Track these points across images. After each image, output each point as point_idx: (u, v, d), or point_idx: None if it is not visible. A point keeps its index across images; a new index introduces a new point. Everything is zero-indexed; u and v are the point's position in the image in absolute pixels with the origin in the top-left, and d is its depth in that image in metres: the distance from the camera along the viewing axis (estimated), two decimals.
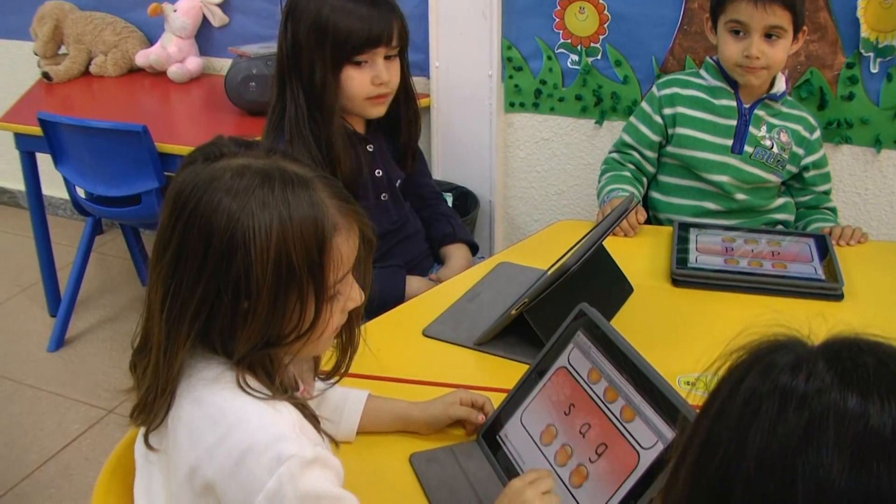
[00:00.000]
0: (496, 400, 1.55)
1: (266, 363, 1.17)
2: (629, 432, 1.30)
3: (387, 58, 2.20)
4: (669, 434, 1.23)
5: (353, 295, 1.23)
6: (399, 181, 2.42)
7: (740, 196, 2.50)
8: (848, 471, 0.66)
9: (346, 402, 1.51)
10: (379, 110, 2.26)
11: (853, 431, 0.68)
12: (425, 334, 1.87)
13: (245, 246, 1.09)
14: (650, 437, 1.26)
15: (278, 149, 1.22)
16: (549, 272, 2.04)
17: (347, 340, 1.33)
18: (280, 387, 1.18)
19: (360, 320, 1.33)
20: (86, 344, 3.45)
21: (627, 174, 2.58)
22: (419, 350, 1.83)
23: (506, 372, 1.74)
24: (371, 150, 2.32)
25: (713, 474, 0.73)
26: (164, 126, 3.17)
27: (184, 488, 1.14)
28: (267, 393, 1.15)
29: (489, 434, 1.50)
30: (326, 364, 1.37)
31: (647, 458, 1.25)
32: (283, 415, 1.14)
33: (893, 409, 0.68)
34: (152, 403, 1.16)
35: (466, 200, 3.38)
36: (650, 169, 2.62)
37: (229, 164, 1.15)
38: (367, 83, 2.18)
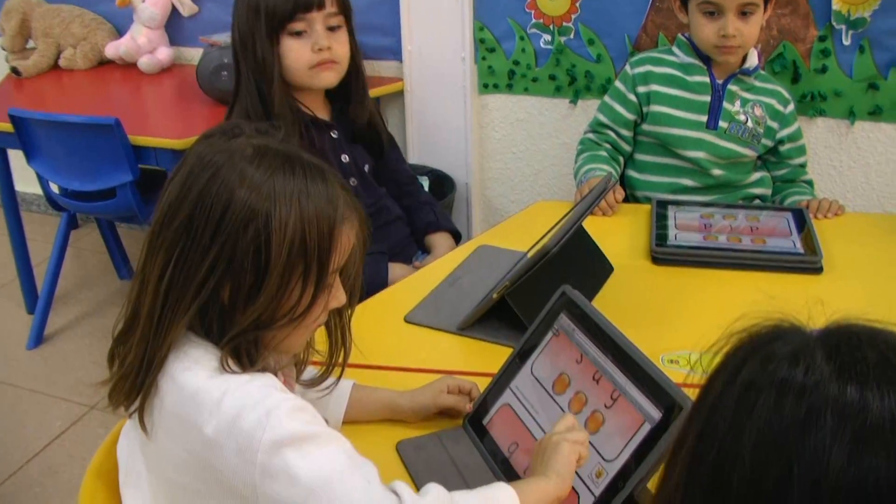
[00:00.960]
0: (482, 385, 1.54)
1: (251, 348, 1.17)
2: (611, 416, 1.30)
3: (330, 29, 2.21)
4: (656, 414, 1.24)
5: (337, 294, 1.23)
6: (368, 166, 2.41)
7: (717, 172, 2.50)
8: (846, 463, 0.66)
9: (330, 389, 1.49)
10: (327, 78, 2.25)
11: (851, 425, 0.67)
12: (407, 320, 1.86)
13: (267, 218, 1.10)
14: (636, 418, 1.26)
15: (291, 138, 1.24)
16: (529, 254, 2.04)
17: (341, 341, 1.34)
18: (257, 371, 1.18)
19: (349, 322, 1.34)
20: (65, 340, 3.42)
21: (604, 154, 2.58)
22: (401, 336, 1.83)
23: (490, 356, 1.74)
24: (335, 135, 2.33)
25: (709, 465, 0.72)
26: (137, 118, 3.13)
27: (185, 476, 1.14)
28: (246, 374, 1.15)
29: (475, 419, 1.50)
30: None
31: (635, 440, 1.25)
32: (265, 378, 1.15)
33: (892, 401, 0.68)
34: (135, 379, 1.15)
35: (443, 183, 3.37)
36: (626, 148, 2.62)
37: (249, 141, 1.16)
38: (307, 52, 2.18)
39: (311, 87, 2.25)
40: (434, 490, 1.17)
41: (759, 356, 0.75)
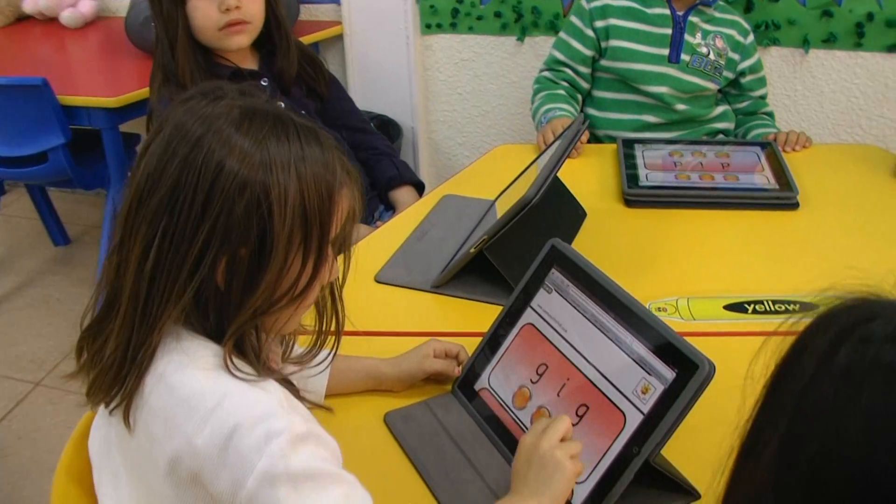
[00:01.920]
0: (468, 346, 1.46)
1: (252, 338, 1.05)
2: (615, 384, 1.22)
3: None
4: (669, 374, 1.16)
5: (333, 266, 1.12)
6: (311, 110, 2.31)
7: (680, 106, 2.42)
8: None
9: (326, 368, 1.38)
10: (238, 41, 2.15)
11: None
12: (378, 280, 1.76)
13: (264, 188, 0.98)
14: (642, 379, 1.18)
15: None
16: (497, 202, 1.95)
17: (332, 314, 1.22)
18: (265, 365, 1.06)
19: (341, 291, 1.22)
20: (1, 313, 3.26)
21: (562, 92, 2.49)
22: (372, 298, 1.72)
23: (469, 314, 1.65)
24: (265, 84, 2.22)
25: (808, 461, 0.64)
26: (64, 77, 2.94)
27: (165, 484, 1.01)
28: (252, 373, 1.02)
29: (465, 384, 1.42)
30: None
31: (645, 406, 1.17)
32: (269, 391, 1.02)
33: None
34: (117, 374, 1.02)
35: (388, 129, 3.26)
36: (584, 85, 2.53)
37: (233, 104, 1.03)
38: (213, 12, 2.09)
39: (223, 49, 2.15)
40: None
41: (856, 338, 0.66)
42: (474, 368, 1.41)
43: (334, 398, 1.41)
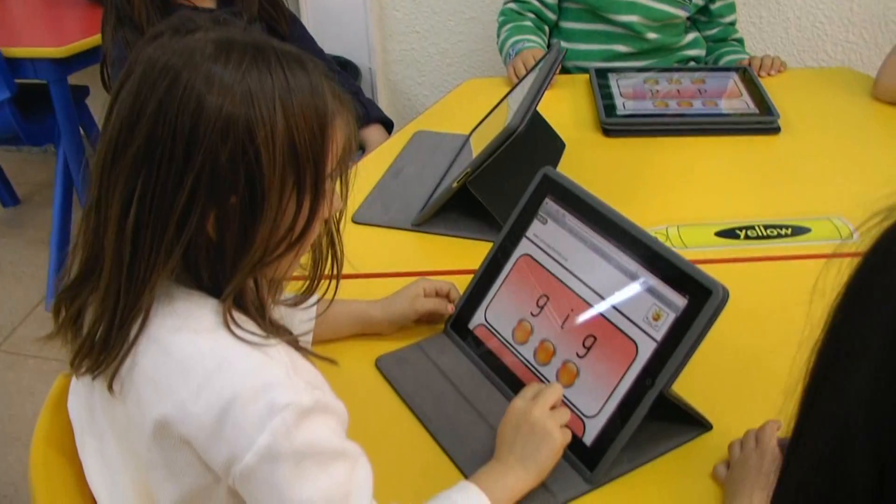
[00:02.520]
0: (458, 285, 1.39)
1: (253, 292, 0.97)
2: (624, 313, 1.16)
3: None
4: (680, 301, 1.10)
5: (333, 200, 1.03)
6: None
7: (651, 35, 2.36)
8: None
9: (293, 309, 1.29)
10: None
11: None
12: (355, 221, 1.69)
13: (248, 126, 0.87)
14: (653, 305, 1.13)
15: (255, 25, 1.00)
16: (472, 137, 1.88)
17: (330, 251, 1.13)
18: (271, 322, 0.98)
19: (339, 227, 1.14)
20: None
21: (528, 24, 2.41)
22: (351, 239, 1.61)
23: (454, 251, 1.59)
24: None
25: None
26: (5, 27, 2.82)
27: (153, 449, 0.93)
28: (259, 333, 0.94)
29: (459, 323, 1.35)
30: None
31: (657, 334, 1.12)
32: (273, 357, 0.93)
33: None
34: (104, 344, 0.93)
35: (345, 70, 3.15)
36: (551, 16, 2.45)
37: (208, 36, 0.92)
38: None
39: None
40: None
41: None
42: (467, 306, 1.35)
43: (321, 345, 1.34)
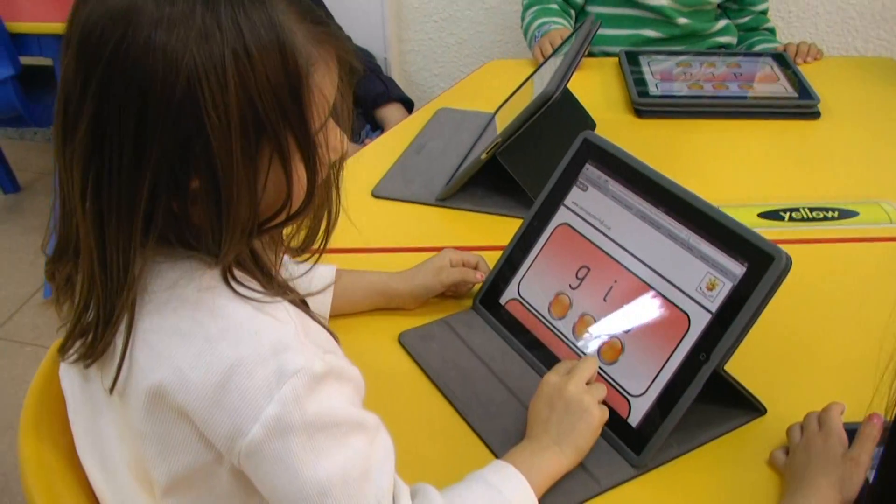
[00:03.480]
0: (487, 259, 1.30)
1: (253, 255, 0.86)
2: (675, 283, 1.06)
3: None
4: (738, 269, 1.00)
5: (334, 143, 0.89)
6: None
7: (681, 20, 2.27)
8: None
9: (310, 280, 1.18)
10: None
11: None
12: (375, 195, 1.59)
13: (193, 98, 0.74)
14: (707, 274, 1.03)
15: None
16: (497, 114, 1.79)
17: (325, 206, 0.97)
18: (276, 281, 0.86)
19: (339, 176, 0.98)
20: None
21: (554, 6, 2.32)
22: (371, 214, 1.55)
23: (480, 226, 1.50)
24: None
25: None
26: (8, 2, 2.73)
27: (145, 420, 0.82)
28: (259, 290, 0.83)
29: (489, 298, 1.25)
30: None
31: (713, 304, 1.02)
32: (281, 317, 0.82)
33: None
34: (94, 333, 0.83)
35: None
36: (578, 0, 2.36)
37: None
38: None
39: None
40: (427, 500, 0.89)
41: None
42: (498, 280, 1.25)
43: (339, 319, 1.24)
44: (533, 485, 0.94)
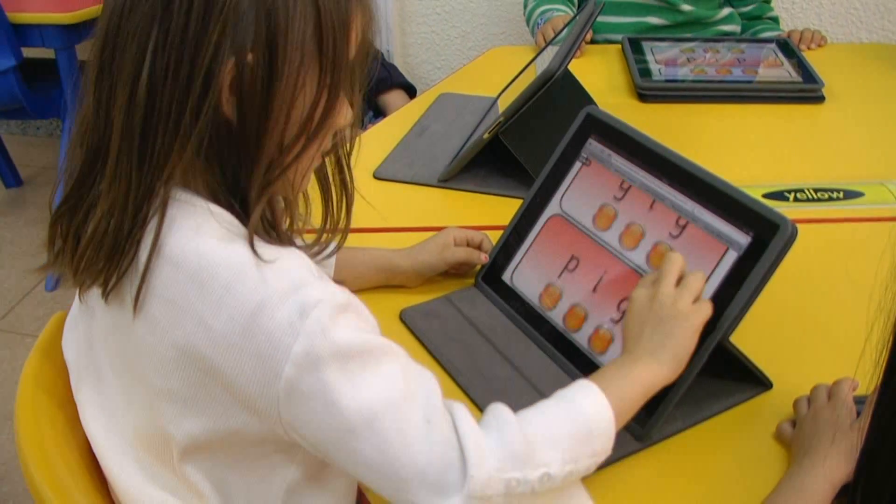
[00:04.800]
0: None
1: (265, 210, 0.84)
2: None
3: None
4: (743, 239, 0.99)
5: (344, 111, 0.90)
6: None
7: (685, 7, 2.26)
8: None
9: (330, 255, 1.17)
10: None
11: None
12: (377, 177, 1.58)
13: None
14: (715, 245, 1.02)
15: None
16: (499, 98, 1.78)
17: (341, 186, 1.00)
18: (285, 234, 0.86)
19: (350, 157, 1.01)
20: None
21: None
22: (373, 194, 1.52)
23: (483, 207, 1.49)
24: None
25: None
26: None
27: (172, 379, 0.81)
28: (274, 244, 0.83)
29: (491, 275, 1.24)
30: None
31: (717, 274, 1.01)
32: (294, 258, 0.82)
33: None
34: (114, 243, 0.81)
35: None
36: None
37: None
38: None
39: None
40: (499, 415, 0.85)
41: None
42: (501, 256, 1.24)
43: None
44: (623, 398, 0.89)
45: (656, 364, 0.93)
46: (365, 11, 0.86)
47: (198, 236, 0.80)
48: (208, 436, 0.83)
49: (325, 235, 0.97)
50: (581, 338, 1.11)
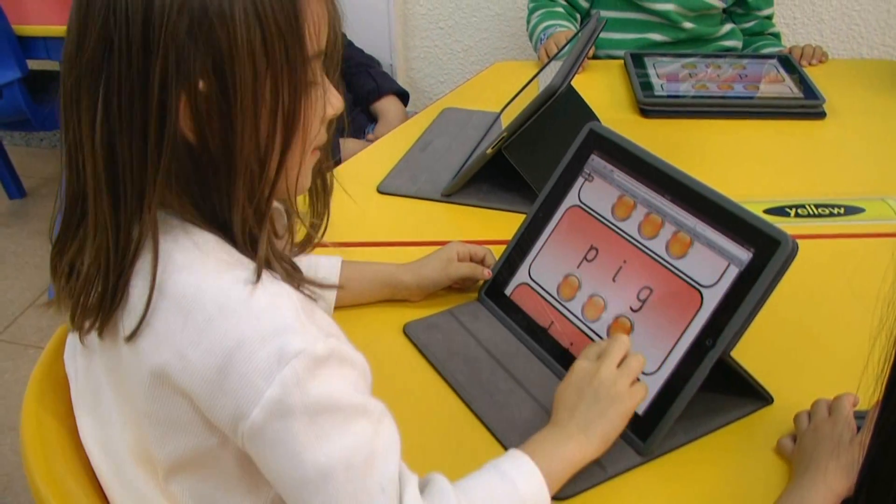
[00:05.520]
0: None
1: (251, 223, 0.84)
2: (680, 269, 1.06)
3: None
4: (744, 255, 1.00)
5: (331, 98, 0.88)
6: None
7: (687, 24, 2.27)
8: None
9: (315, 271, 1.19)
10: None
11: None
12: (381, 191, 1.59)
13: (203, 8, 0.75)
14: (717, 262, 1.03)
15: None
16: (502, 113, 1.79)
17: (320, 184, 0.97)
18: (275, 257, 0.85)
19: (329, 157, 0.98)
20: None
21: (560, 10, 2.33)
22: (377, 209, 1.55)
23: (486, 222, 1.50)
24: None
25: None
26: (16, 5, 2.73)
27: (150, 404, 0.81)
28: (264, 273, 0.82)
29: (494, 290, 1.25)
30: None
31: (718, 290, 1.02)
32: (282, 300, 0.80)
33: None
34: (105, 285, 0.81)
35: None
36: (584, 4, 2.36)
37: None
38: None
39: None
40: (441, 490, 0.87)
41: None
42: (504, 271, 1.25)
43: (343, 309, 1.24)
44: (552, 475, 0.92)
45: (586, 441, 0.96)
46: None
47: (189, 267, 0.80)
48: (190, 455, 0.84)
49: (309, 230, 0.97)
50: (599, 328, 1.12)
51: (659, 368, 1.03)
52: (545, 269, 1.21)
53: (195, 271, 0.80)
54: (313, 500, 0.79)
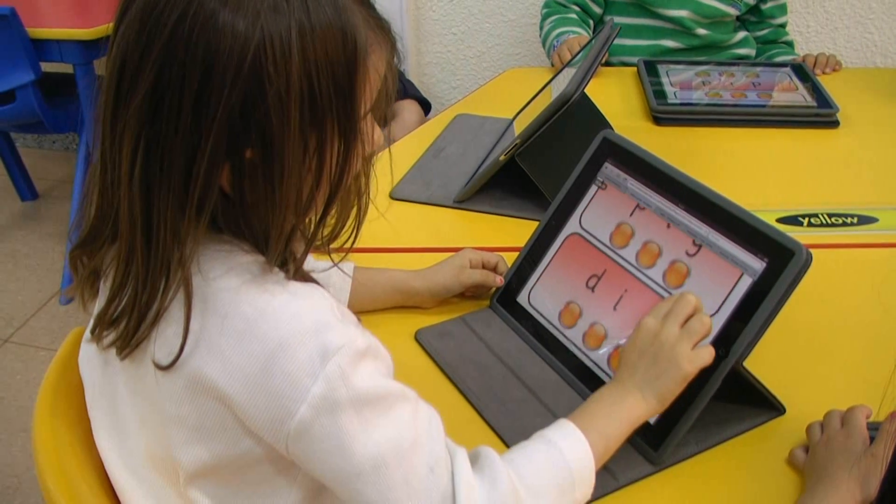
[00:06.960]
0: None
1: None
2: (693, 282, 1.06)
3: None
4: (758, 264, 1.00)
5: (373, 137, 0.89)
6: None
7: (701, 31, 2.27)
8: None
9: (329, 277, 1.19)
10: None
11: None
12: (393, 197, 1.59)
13: (256, 68, 0.74)
14: (730, 269, 1.02)
15: None
16: (515, 120, 1.79)
17: (355, 194, 0.97)
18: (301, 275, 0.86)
19: (370, 170, 0.98)
20: None
21: (573, 16, 2.33)
22: (389, 215, 1.53)
23: (498, 228, 1.50)
24: None
25: None
26: (32, 7, 2.74)
27: (182, 406, 0.82)
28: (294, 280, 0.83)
29: (506, 297, 1.25)
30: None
31: (734, 297, 1.01)
32: (317, 298, 0.82)
33: None
34: (128, 319, 0.82)
35: None
36: (597, 10, 2.36)
37: None
38: None
39: None
40: (492, 465, 0.87)
41: None
42: (517, 278, 1.25)
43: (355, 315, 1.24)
44: (608, 432, 0.94)
45: (642, 399, 0.96)
46: (380, 49, 0.84)
47: (223, 274, 0.81)
48: (215, 462, 0.84)
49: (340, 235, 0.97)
50: (600, 358, 1.12)
51: None
52: (545, 295, 1.21)
53: (231, 278, 0.80)
54: (368, 490, 0.80)
